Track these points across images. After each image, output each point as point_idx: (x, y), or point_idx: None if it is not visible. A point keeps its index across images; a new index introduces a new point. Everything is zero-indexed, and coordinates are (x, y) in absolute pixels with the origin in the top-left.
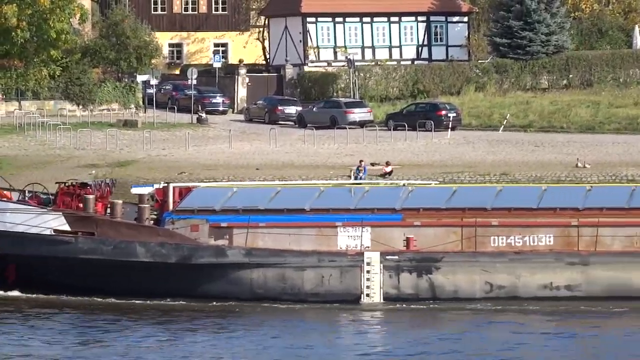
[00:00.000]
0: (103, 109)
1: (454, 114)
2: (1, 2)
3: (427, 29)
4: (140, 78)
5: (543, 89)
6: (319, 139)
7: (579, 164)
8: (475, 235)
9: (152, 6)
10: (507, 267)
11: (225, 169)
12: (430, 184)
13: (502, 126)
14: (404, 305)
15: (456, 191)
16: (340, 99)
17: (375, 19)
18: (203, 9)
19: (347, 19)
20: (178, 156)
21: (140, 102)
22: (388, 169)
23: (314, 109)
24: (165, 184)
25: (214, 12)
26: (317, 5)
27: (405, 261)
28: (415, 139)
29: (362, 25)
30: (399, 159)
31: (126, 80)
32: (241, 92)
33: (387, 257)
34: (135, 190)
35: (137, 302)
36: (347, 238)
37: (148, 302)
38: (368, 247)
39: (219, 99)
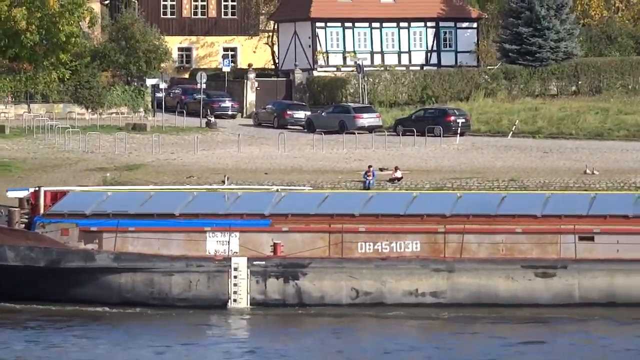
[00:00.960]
0: (112, 113)
1: (463, 120)
2: (10, 5)
3: (436, 35)
4: (150, 82)
5: (552, 95)
6: (328, 144)
7: (588, 171)
8: (342, 241)
9: (162, 10)
10: (373, 273)
11: (233, 173)
12: (303, 189)
13: (511, 132)
14: (270, 311)
15: (327, 197)
16: (349, 104)
17: (384, 24)
18: (212, 13)
19: (356, 24)
20: (187, 160)
21: (149, 106)
22: (398, 174)
23: (323, 114)
24: (37, 188)
25: (223, 16)
26: (327, 10)
27: (272, 267)
28: (424, 145)
29: (371, 30)
30: (408, 165)
31: (135, 83)
32: (250, 96)
33: (255, 262)
34: (10, 194)
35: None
36: (216, 243)
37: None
38: (236, 252)
39: (228, 103)
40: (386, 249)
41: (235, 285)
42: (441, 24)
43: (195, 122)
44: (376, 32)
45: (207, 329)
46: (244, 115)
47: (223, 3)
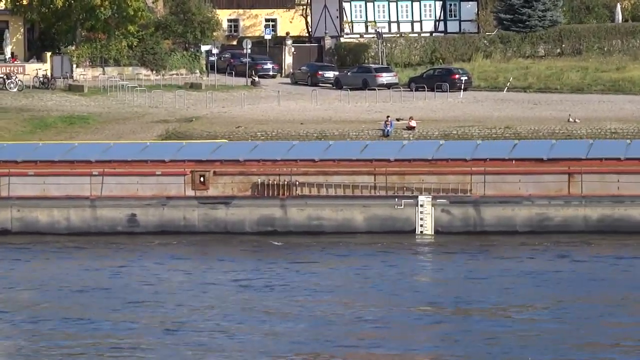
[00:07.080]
0: (173, 74)
1: (466, 77)
2: None
3: (443, 7)
4: (204, 48)
5: (540, 56)
6: (353, 99)
7: (570, 119)
8: None
9: None
10: None
11: (274, 124)
12: None
13: (506, 87)
14: None
15: None
16: (371, 65)
17: None
18: None
19: None
20: (235, 113)
21: (204, 68)
22: (412, 123)
23: (349, 74)
24: None
25: None
26: None
27: None
28: (433, 99)
29: (389, 3)
30: (419, 116)
31: (192, 49)
32: (288, 59)
33: None
34: None
35: None
36: None
37: None
38: None
39: (269, 65)
40: None
41: None
42: None
43: (242, 81)
44: (393, 5)
45: None
46: (283, 75)
47: None
